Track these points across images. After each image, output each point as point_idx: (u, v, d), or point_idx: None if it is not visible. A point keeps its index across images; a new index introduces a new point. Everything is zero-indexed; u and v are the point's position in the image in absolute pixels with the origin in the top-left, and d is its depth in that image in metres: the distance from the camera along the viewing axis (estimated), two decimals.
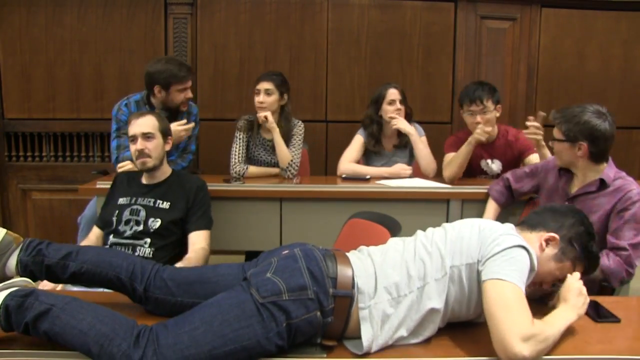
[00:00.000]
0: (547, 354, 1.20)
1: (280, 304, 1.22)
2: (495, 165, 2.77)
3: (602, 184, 1.94)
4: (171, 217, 2.11)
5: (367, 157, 3.06)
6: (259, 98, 2.83)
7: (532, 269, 1.30)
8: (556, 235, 1.43)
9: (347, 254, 1.41)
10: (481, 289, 1.26)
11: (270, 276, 1.28)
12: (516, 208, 2.45)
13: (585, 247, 1.45)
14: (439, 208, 2.58)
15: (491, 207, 2.40)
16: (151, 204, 2.12)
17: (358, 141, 3.01)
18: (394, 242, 1.47)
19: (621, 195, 1.90)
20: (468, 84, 2.80)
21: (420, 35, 3.73)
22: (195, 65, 3.64)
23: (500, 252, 1.27)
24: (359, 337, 1.26)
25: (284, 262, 1.33)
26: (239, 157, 2.88)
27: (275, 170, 2.89)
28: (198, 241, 2.11)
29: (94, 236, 2.19)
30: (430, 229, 1.46)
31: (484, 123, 2.65)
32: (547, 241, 1.43)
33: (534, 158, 2.64)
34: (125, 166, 2.45)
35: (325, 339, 1.28)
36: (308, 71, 3.71)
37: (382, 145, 3.03)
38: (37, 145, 3.66)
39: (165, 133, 2.18)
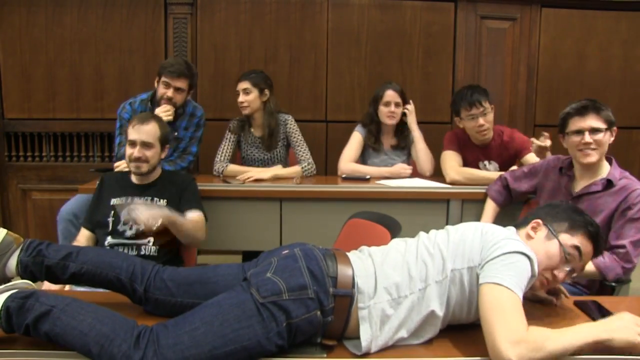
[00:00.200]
0: None
1: (281, 303, 1.23)
2: (492, 167, 2.77)
3: (608, 184, 1.95)
4: None
5: (365, 154, 3.07)
6: (239, 98, 2.89)
7: (532, 275, 1.29)
8: (539, 220, 1.44)
9: (347, 253, 1.41)
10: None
11: (270, 276, 1.28)
12: (515, 208, 2.45)
13: (571, 216, 1.43)
14: (439, 208, 2.58)
15: (490, 207, 2.40)
16: (148, 202, 2.11)
17: (356, 139, 3.01)
18: (395, 242, 1.46)
19: (626, 194, 1.90)
20: (458, 90, 2.77)
21: (420, 35, 3.73)
22: (195, 65, 3.64)
23: (500, 257, 1.26)
24: (359, 337, 1.26)
25: (284, 262, 1.33)
26: (221, 155, 2.94)
27: (256, 169, 2.86)
28: (194, 215, 2.13)
29: (83, 238, 2.15)
30: (433, 231, 1.46)
31: (487, 124, 2.65)
32: (533, 228, 1.44)
33: (530, 157, 2.63)
34: (121, 166, 2.46)
35: (325, 338, 1.28)
36: (308, 71, 3.71)
37: (381, 143, 3.03)
38: (37, 145, 3.66)
39: (164, 141, 2.20)
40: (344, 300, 1.28)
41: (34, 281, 1.42)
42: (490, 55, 3.79)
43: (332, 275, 1.30)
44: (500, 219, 2.36)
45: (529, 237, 1.42)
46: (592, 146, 1.93)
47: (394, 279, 1.31)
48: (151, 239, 2.08)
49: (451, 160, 2.71)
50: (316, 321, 1.25)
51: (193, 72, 2.77)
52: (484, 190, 2.48)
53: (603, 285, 1.94)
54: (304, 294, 1.25)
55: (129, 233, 2.07)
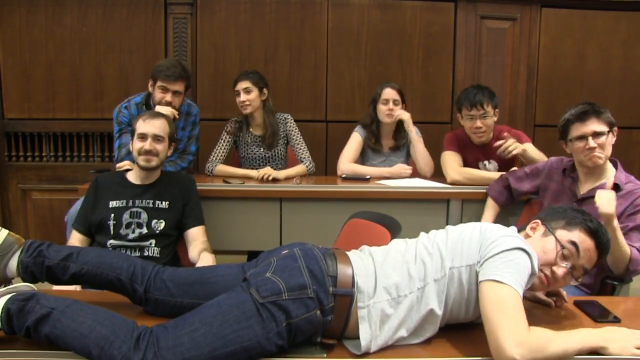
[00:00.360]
0: None
1: (280, 303, 1.23)
2: (492, 166, 2.77)
3: (615, 188, 1.95)
4: (173, 216, 2.13)
5: (364, 155, 3.07)
6: (241, 98, 2.90)
7: (532, 272, 1.29)
8: (537, 220, 1.46)
9: (347, 253, 1.41)
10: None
11: (269, 276, 1.28)
12: (516, 208, 2.45)
13: (569, 213, 1.43)
14: (439, 208, 2.58)
15: (490, 206, 2.40)
16: (150, 204, 2.11)
17: (356, 140, 3.01)
18: (396, 242, 1.47)
19: (632, 199, 1.91)
20: (466, 88, 2.77)
21: (420, 35, 3.73)
22: (195, 65, 3.65)
23: (499, 254, 1.26)
24: (359, 337, 1.26)
25: (284, 261, 1.33)
26: (214, 155, 2.96)
27: (245, 171, 2.87)
28: (199, 235, 2.15)
29: (76, 241, 2.09)
30: (433, 231, 1.46)
31: (484, 127, 2.65)
32: (532, 228, 1.45)
33: (525, 145, 2.63)
34: (124, 166, 2.45)
35: (325, 338, 1.28)
36: (308, 71, 3.71)
37: (381, 144, 3.03)
38: (37, 145, 3.66)
39: (172, 139, 2.20)
40: (343, 300, 1.28)
41: (34, 282, 1.42)
42: (490, 55, 3.78)
43: (331, 274, 1.30)
44: (501, 219, 2.36)
45: (527, 236, 1.43)
46: (597, 150, 1.94)
47: (393, 279, 1.32)
48: (153, 241, 2.07)
49: (452, 161, 2.71)
50: (316, 321, 1.25)
51: (189, 73, 2.75)
52: (483, 190, 2.48)
53: (604, 285, 1.94)
54: (304, 293, 1.25)
55: (131, 236, 2.06)
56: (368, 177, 2.82)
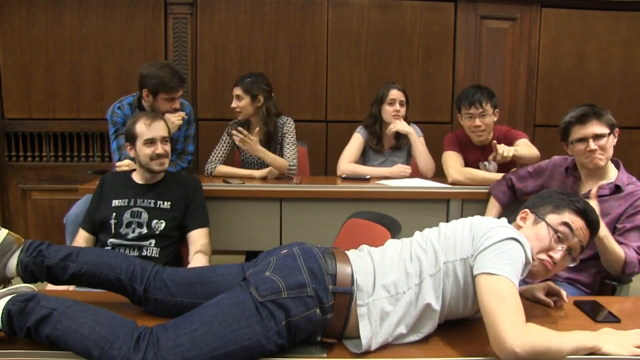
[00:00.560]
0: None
1: (280, 302, 1.23)
2: (492, 166, 2.77)
3: (616, 189, 1.95)
4: (174, 217, 2.12)
5: (365, 155, 3.07)
6: (233, 104, 2.90)
7: (526, 261, 1.30)
8: (526, 209, 1.48)
9: (346, 252, 1.42)
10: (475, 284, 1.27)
11: (269, 275, 1.28)
12: (518, 207, 2.43)
13: (552, 194, 1.47)
14: (439, 208, 2.58)
15: (493, 206, 2.40)
16: (152, 204, 2.11)
17: (357, 140, 3.01)
18: (392, 242, 1.47)
19: (633, 200, 1.91)
20: (466, 87, 2.78)
21: (420, 35, 3.73)
22: (195, 65, 3.65)
23: (492, 246, 1.27)
24: (359, 337, 1.27)
25: (283, 260, 1.33)
26: (214, 156, 2.95)
27: (245, 171, 2.86)
28: (200, 238, 2.13)
29: (82, 239, 2.12)
30: (426, 229, 1.47)
31: (484, 126, 2.66)
32: (522, 218, 1.47)
33: (520, 142, 2.65)
34: (123, 166, 2.45)
35: (325, 337, 1.28)
36: (308, 71, 3.71)
37: (382, 144, 3.03)
38: (37, 145, 3.66)
39: (171, 138, 2.21)
40: (343, 298, 1.28)
41: (34, 281, 1.42)
42: (490, 55, 3.79)
43: (331, 272, 1.31)
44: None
45: (518, 227, 1.44)
46: (598, 152, 1.94)
47: (391, 277, 1.32)
48: (153, 241, 2.07)
49: (453, 161, 2.71)
50: (316, 319, 1.25)
51: (183, 75, 2.76)
52: (484, 190, 2.48)
53: (604, 285, 1.94)
54: (303, 292, 1.25)
55: (131, 236, 2.06)
56: (368, 177, 2.82)
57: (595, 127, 1.95)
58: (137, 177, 2.19)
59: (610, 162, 2.02)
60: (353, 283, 1.30)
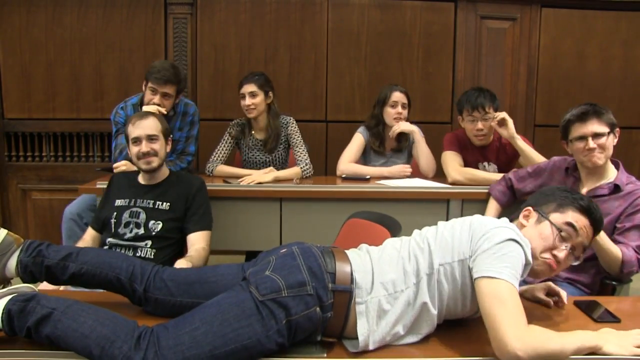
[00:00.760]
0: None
1: (280, 300, 1.23)
2: (491, 168, 2.77)
3: (615, 188, 1.95)
4: (172, 219, 2.10)
5: (366, 156, 3.07)
6: (246, 102, 2.86)
7: (526, 262, 1.29)
8: (529, 207, 1.47)
9: (345, 250, 1.42)
10: (474, 286, 1.26)
11: (269, 274, 1.29)
12: (518, 208, 2.43)
13: (556, 192, 1.45)
14: (439, 208, 2.58)
15: (492, 206, 2.39)
16: (150, 205, 2.10)
17: (358, 140, 3.01)
18: (391, 240, 1.47)
19: (632, 199, 1.91)
20: (467, 90, 2.77)
21: (420, 35, 3.73)
22: (195, 65, 3.65)
23: (491, 248, 1.26)
24: (357, 337, 1.27)
25: (282, 259, 1.34)
26: (215, 156, 2.94)
27: (246, 171, 2.85)
28: (197, 241, 2.09)
29: (89, 237, 2.14)
30: (425, 228, 1.46)
31: (485, 130, 2.65)
32: (525, 217, 1.46)
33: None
34: (120, 166, 2.45)
35: (325, 336, 1.29)
36: (308, 71, 3.71)
37: (384, 145, 3.03)
38: (37, 145, 3.66)
39: (167, 134, 2.18)
40: (342, 296, 1.29)
41: (33, 282, 1.42)
42: (490, 55, 3.79)
43: (330, 271, 1.31)
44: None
45: (521, 225, 1.44)
46: (597, 150, 1.94)
47: (390, 275, 1.32)
48: (149, 242, 2.06)
49: (452, 161, 2.71)
50: (316, 318, 1.25)
51: (180, 77, 2.73)
52: (484, 190, 2.48)
53: (604, 285, 1.94)
54: (303, 290, 1.25)
55: (128, 235, 2.06)
56: (368, 177, 2.82)
57: (595, 126, 1.95)
58: (140, 178, 2.19)
59: (609, 162, 2.02)
60: (352, 281, 1.31)
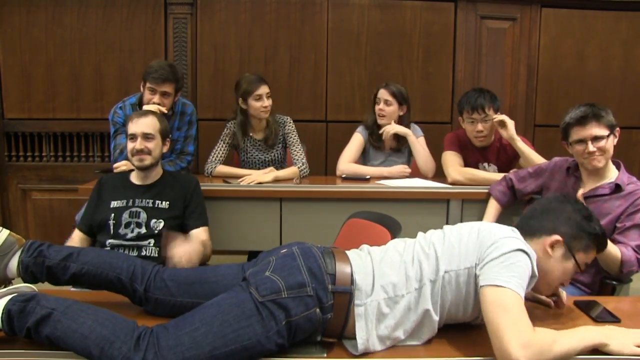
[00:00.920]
0: None
1: (280, 301, 1.23)
2: (491, 169, 2.77)
3: (616, 188, 1.95)
4: (172, 217, 2.12)
5: (365, 155, 3.06)
6: (264, 103, 2.84)
7: (532, 274, 1.28)
8: (559, 237, 1.38)
9: (346, 251, 1.41)
10: (479, 294, 1.25)
11: (269, 275, 1.29)
12: (518, 208, 2.44)
13: (589, 232, 1.41)
14: (439, 208, 2.58)
15: (492, 207, 2.39)
16: (150, 204, 2.11)
17: (357, 140, 3.01)
18: (395, 242, 1.47)
19: (633, 199, 1.91)
20: (468, 91, 2.76)
21: (420, 35, 3.73)
22: (195, 65, 3.65)
23: (499, 257, 1.25)
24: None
25: (282, 260, 1.33)
26: (213, 156, 2.94)
27: (246, 171, 2.84)
28: (200, 236, 2.14)
29: (77, 239, 2.12)
30: (430, 231, 1.45)
31: (486, 131, 2.65)
32: (552, 245, 1.38)
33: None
34: (121, 166, 2.45)
35: (325, 337, 1.28)
36: (308, 71, 3.72)
37: (382, 144, 3.03)
38: (37, 145, 3.66)
39: (165, 134, 2.19)
40: (343, 297, 1.28)
41: (34, 282, 1.42)
42: (490, 55, 3.79)
43: (330, 272, 1.30)
44: (503, 219, 2.35)
45: (546, 254, 1.38)
46: (597, 153, 1.94)
47: (390, 278, 1.32)
48: (152, 240, 2.07)
49: (453, 161, 2.71)
50: (315, 319, 1.25)
51: (178, 76, 2.73)
52: (484, 190, 2.48)
53: (604, 285, 1.94)
54: (303, 291, 1.25)
55: (130, 236, 2.06)
56: (368, 177, 2.82)
57: (595, 129, 1.94)
58: (134, 178, 2.19)
59: (610, 163, 2.02)
60: (352, 282, 1.30)
